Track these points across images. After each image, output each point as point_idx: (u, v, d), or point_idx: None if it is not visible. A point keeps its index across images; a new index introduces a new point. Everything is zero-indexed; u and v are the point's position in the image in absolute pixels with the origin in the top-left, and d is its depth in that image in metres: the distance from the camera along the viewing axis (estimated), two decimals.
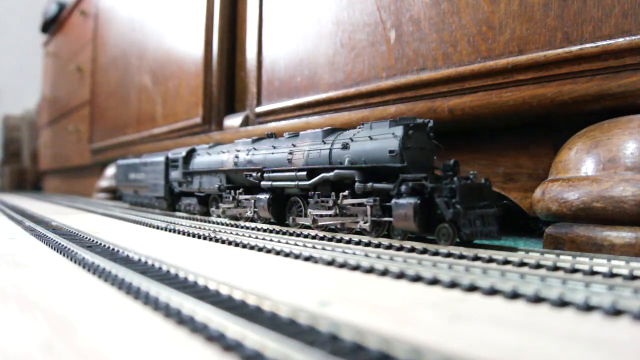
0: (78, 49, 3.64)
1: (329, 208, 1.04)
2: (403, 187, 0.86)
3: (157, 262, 0.69)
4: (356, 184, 0.96)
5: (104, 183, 2.79)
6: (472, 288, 0.56)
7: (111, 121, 2.98)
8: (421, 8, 1.17)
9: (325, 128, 1.13)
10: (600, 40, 0.88)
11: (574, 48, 0.90)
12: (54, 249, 0.90)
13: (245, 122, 1.80)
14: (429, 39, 1.15)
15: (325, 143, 1.07)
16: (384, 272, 0.65)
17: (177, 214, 1.71)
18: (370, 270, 0.67)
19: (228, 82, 2.01)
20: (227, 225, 1.28)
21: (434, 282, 0.60)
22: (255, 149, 1.30)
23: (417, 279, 0.62)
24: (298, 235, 1.05)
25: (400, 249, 0.85)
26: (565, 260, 0.68)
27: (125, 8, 2.83)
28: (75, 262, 0.76)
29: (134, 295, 0.54)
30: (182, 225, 1.26)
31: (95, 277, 0.66)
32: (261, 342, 0.37)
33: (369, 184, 0.94)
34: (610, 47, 0.86)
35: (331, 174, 1.03)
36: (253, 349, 0.37)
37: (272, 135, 1.33)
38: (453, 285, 0.58)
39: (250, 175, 1.27)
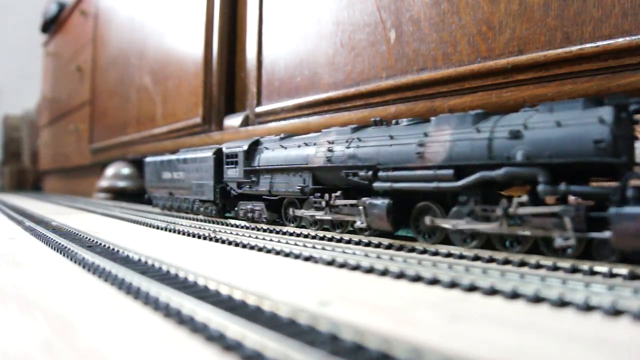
0: (78, 49, 3.64)
1: (492, 219, 0.76)
2: (631, 191, 0.63)
3: (157, 262, 0.69)
4: (540, 186, 0.69)
5: (104, 183, 2.79)
6: (472, 288, 0.56)
7: (111, 121, 2.98)
8: (421, 8, 1.17)
9: (475, 111, 0.84)
10: (600, 40, 0.88)
11: (574, 48, 0.90)
12: (54, 249, 0.90)
13: (245, 122, 1.80)
14: (429, 39, 1.15)
15: (480, 131, 0.79)
16: (384, 272, 0.65)
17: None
18: (370, 270, 0.67)
19: (228, 82, 2.01)
20: (227, 225, 1.28)
21: (434, 282, 0.60)
22: (359, 140, 0.98)
23: (417, 279, 0.62)
24: (298, 235, 1.05)
25: (400, 248, 0.85)
26: (565, 260, 0.68)
27: (125, 8, 2.83)
28: (75, 262, 0.76)
29: (134, 295, 0.54)
30: (182, 225, 1.26)
31: (95, 277, 0.66)
32: (261, 342, 0.37)
33: (561, 186, 0.68)
34: (610, 47, 0.86)
35: (499, 172, 0.75)
36: (253, 349, 0.37)
37: (381, 121, 1.01)
38: (453, 285, 0.58)
39: (355, 175, 0.98)
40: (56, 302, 0.54)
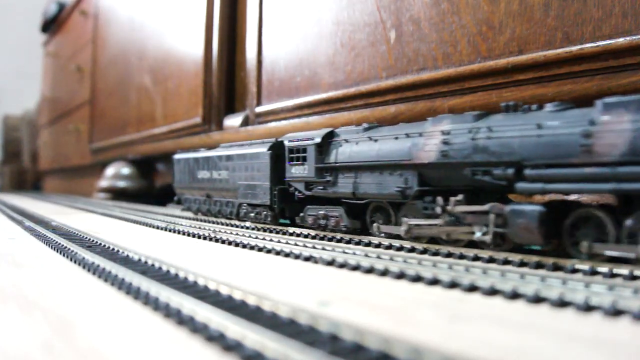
0: (78, 49, 3.64)
1: None
2: None
3: (157, 262, 0.69)
4: None
5: (104, 183, 2.79)
6: (472, 288, 0.56)
7: (111, 121, 2.98)
8: (421, 8, 1.17)
9: None
10: (600, 40, 0.88)
11: (574, 48, 0.90)
12: (54, 249, 0.90)
13: (245, 122, 1.80)
14: (429, 39, 1.15)
15: None
16: (384, 272, 0.65)
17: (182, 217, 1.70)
18: (370, 270, 0.67)
19: (228, 82, 2.01)
20: (227, 225, 1.28)
21: (434, 282, 0.60)
22: (490, 130, 0.76)
23: (417, 279, 0.62)
24: (298, 235, 1.05)
25: (400, 249, 0.85)
26: (565, 260, 0.68)
27: (125, 8, 2.83)
28: (75, 262, 0.76)
29: (134, 295, 0.54)
30: (182, 225, 1.26)
31: (95, 277, 0.66)
32: (261, 342, 0.37)
33: None
34: (610, 47, 0.86)
35: None
36: (253, 349, 0.37)
37: (515, 106, 0.79)
38: (453, 285, 0.58)
39: (485, 173, 0.77)
40: (56, 302, 0.54)
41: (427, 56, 1.15)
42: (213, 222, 1.35)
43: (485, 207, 0.75)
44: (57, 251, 0.87)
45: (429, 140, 0.85)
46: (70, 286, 0.62)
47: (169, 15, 2.36)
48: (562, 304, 0.50)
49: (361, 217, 1.02)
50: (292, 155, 1.14)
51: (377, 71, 1.27)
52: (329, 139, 1.08)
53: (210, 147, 1.62)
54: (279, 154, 1.20)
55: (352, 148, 1.01)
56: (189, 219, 1.47)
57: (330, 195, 1.06)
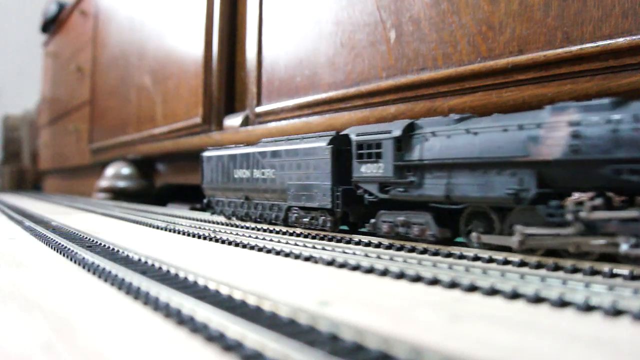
0: (78, 49, 3.64)
1: None
2: None
3: (157, 262, 0.69)
4: None
5: (104, 183, 2.79)
6: (472, 288, 0.56)
7: (111, 121, 2.98)
8: (421, 8, 1.17)
9: None
10: (600, 40, 0.88)
11: (574, 48, 0.90)
12: (54, 249, 0.90)
13: (245, 122, 1.79)
14: (429, 39, 1.15)
15: None
16: (384, 272, 0.65)
17: (173, 218, 1.70)
18: (370, 270, 0.67)
19: (228, 82, 2.01)
20: (227, 225, 1.28)
21: (434, 282, 0.60)
22: (636, 119, 0.64)
23: (417, 279, 0.62)
24: (298, 235, 1.05)
25: (400, 249, 0.85)
26: (566, 260, 0.68)
27: (125, 8, 2.83)
28: (75, 262, 0.76)
29: (134, 295, 0.54)
30: (182, 225, 1.26)
31: (95, 277, 0.66)
32: (261, 342, 0.37)
33: None
34: (610, 47, 0.86)
35: None
36: (253, 349, 0.37)
37: None
38: (453, 285, 0.58)
39: (634, 172, 0.64)
40: (56, 302, 0.54)
41: (427, 56, 1.15)
42: (213, 222, 1.35)
43: (634, 213, 0.62)
44: (57, 251, 0.87)
45: (551, 133, 0.70)
46: (70, 286, 0.62)
47: (169, 15, 2.36)
48: (562, 304, 0.50)
49: (452, 225, 0.86)
50: (361, 151, 0.97)
51: (377, 71, 1.27)
52: (410, 131, 0.90)
53: (237, 144, 1.46)
54: (342, 150, 1.04)
55: (444, 142, 0.84)
56: (189, 218, 1.47)
57: (414, 199, 0.89)
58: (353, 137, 1.00)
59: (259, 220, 1.28)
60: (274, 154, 1.22)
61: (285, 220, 1.18)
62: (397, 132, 0.91)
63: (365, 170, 0.97)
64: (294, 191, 1.14)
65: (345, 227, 1.09)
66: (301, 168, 1.12)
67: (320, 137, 1.10)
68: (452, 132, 0.83)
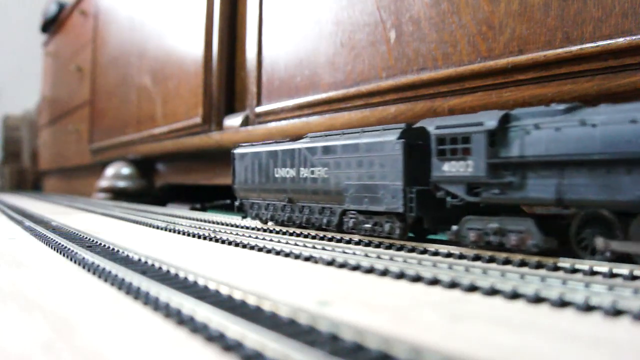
0: (78, 49, 3.64)
1: None
2: None
3: (157, 262, 0.69)
4: None
5: (104, 183, 2.79)
6: (472, 288, 0.56)
7: (111, 121, 2.98)
8: (421, 8, 1.17)
9: None
10: (600, 40, 0.88)
11: (574, 48, 0.90)
12: (54, 249, 0.90)
13: (245, 122, 1.79)
14: (429, 39, 1.15)
15: None
16: (384, 272, 0.65)
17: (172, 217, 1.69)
18: (370, 270, 0.67)
19: (228, 82, 2.01)
20: (227, 225, 1.28)
21: (434, 282, 0.60)
22: None
23: (417, 279, 0.62)
24: (298, 235, 1.05)
25: (400, 249, 0.85)
26: (565, 260, 0.68)
27: (125, 8, 2.83)
28: (75, 262, 0.76)
29: (134, 295, 0.54)
30: (182, 225, 1.26)
31: (95, 277, 0.66)
32: (261, 342, 0.37)
33: None
34: (610, 47, 0.86)
35: None
36: (253, 349, 0.37)
37: None
38: (453, 285, 0.58)
39: None
40: (56, 302, 0.54)
41: (427, 56, 1.15)
42: (214, 222, 1.35)
43: None
44: (57, 251, 0.87)
45: None
46: (70, 286, 0.62)
47: (169, 15, 2.36)
48: (562, 304, 0.50)
49: (559, 233, 0.74)
50: (443, 146, 0.83)
51: (377, 71, 1.27)
52: (506, 123, 0.77)
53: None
54: (414, 144, 0.91)
55: (552, 136, 0.71)
56: (189, 218, 1.47)
57: (514, 202, 0.77)
58: (432, 130, 0.86)
59: (304, 225, 1.12)
60: (327, 150, 1.06)
61: (339, 226, 1.03)
62: (491, 124, 0.77)
63: (449, 168, 0.83)
64: (353, 193, 0.99)
65: (410, 234, 0.94)
66: (363, 166, 0.97)
67: (386, 130, 0.96)
68: (563, 124, 0.71)
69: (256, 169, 1.27)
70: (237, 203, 1.36)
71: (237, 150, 1.37)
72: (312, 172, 1.09)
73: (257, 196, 1.28)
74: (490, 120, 0.78)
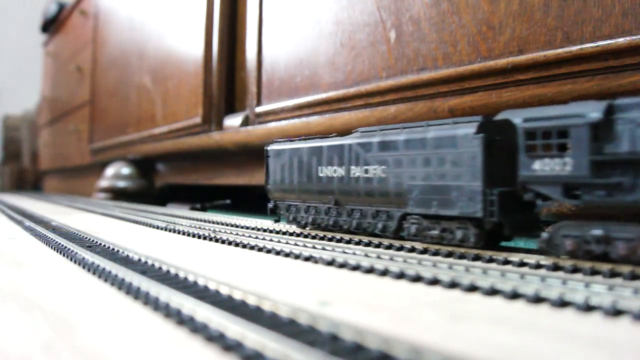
0: (78, 49, 3.64)
1: None
2: None
3: (157, 262, 0.69)
4: None
5: (104, 183, 2.79)
6: (472, 288, 0.56)
7: (111, 121, 2.98)
8: (421, 8, 1.17)
9: None
10: (600, 40, 0.88)
11: (574, 48, 0.90)
12: (54, 249, 0.90)
13: (245, 122, 1.80)
14: (429, 39, 1.15)
15: None
16: (384, 272, 0.65)
17: (179, 219, 1.69)
18: (370, 270, 0.67)
19: (228, 82, 2.01)
20: (227, 225, 1.28)
21: (434, 282, 0.60)
22: None
23: (417, 279, 0.62)
24: (298, 235, 1.05)
25: (400, 249, 0.85)
26: (566, 260, 0.68)
27: (125, 8, 2.83)
28: (75, 262, 0.76)
29: (134, 295, 0.54)
30: (182, 225, 1.26)
31: (95, 277, 0.66)
32: (261, 342, 0.37)
33: None
34: (610, 47, 0.86)
35: None
36: (253, 349, 0.37)
37: None
38: (453, 285, 0.58)
39: None
40: (56, 302, 0.54)
41: (427, 56, 1.15)
42: (214, 222, 1.35)
43: None
44: (57, 251, 0.87)
45: None
46: (70, 286, 0.62)
47: (169, 15, 2.36)
48: (562, 304, 0.50)
49: None
50: (534, 141, 0.73)
51: (377, 71, 1.27)
52: (610, 115, 0.67)
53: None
54: (494, 140, 0.80)
55: None
56: (189, 218, 1.47)
57: (624, 206, 0.66)
58: (520, 123, 0.75)
59: (353, 231, 1.00)
60: (385, 145, 0.94)
61: (398, 231, 0.92)
62: (594, 116, 0.67)
63: (541, 167, 0.72)
64: (418, 194, 0.87)
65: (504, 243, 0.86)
66: (431, 164, 0.86)
67: (458, 123, 0.84)
68: None
69: (295, 168, 1.14)
70: (270, 205, 1.23)
71: (272, 147, 1.22)
72: (366, 171, 0.97)
73: (296, 198, 1.15)
74: (592, 111, 0.67)
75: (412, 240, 0.88)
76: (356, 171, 0.99)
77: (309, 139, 1.14)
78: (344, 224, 1.02)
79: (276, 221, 1.24)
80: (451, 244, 0.81)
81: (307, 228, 1.14)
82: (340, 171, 1.02)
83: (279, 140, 1.23)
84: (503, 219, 0.76)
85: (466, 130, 0.81)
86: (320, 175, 1.07)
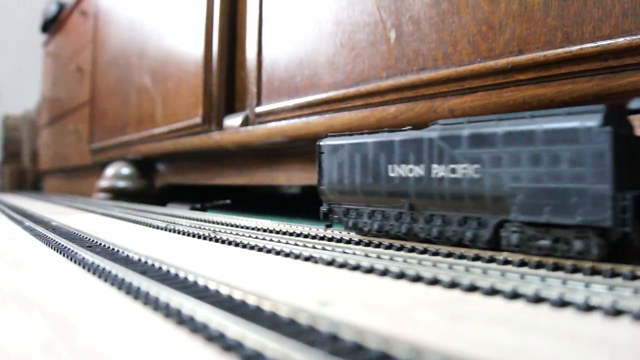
0: (78, 49, 3.64)
1: None
2: None
3: (157, 262, 0.69)
4: None
5: (104, 183, 2.79)
6: (472, 288, 0.56)
7: (111, 121, 2.98)
8: (421, 8, 1.17)
9: None
10: (600, 40, 0.88)
11: (574, 48, 0.90)
12: (54, 249, 0.90)
13: (245, 122, 1.79)
14: (429, 39, 1.15)
15: None
16: (384, 272, 0.65)
17: (178, 212, 1.69)
18: (370, 270, 0.67)
19: (228, 82, 2.01)
20: (227, 225, 1.28)
21: (434, 282, 0.60)
22: None
23: (417, 279, 0.62)
24: (298, 235, 1.05)
25: (400, 249, 0.85)
26: (566, 260, 0.68)
27: (125, 8, 2.83)
28: (75, 262, 0.76)
29: (134, 295, 0.54)
30: (182, 225, 1.26)
31: (95, 277, 0.66)
32: (261, 342, 0.37)
33: None
34: (610, 47, 0.86)
35: None
36: (253, 349, 0.37)
37: None
38: (453, 285, 0.58)
39: None
40: (56, 302, 0.54)
41: (427, 56, 1.15)
42: (214, 222, 1.35)
43: None
44: (57, 251, 0.87)
45: None
46: (70, 286, 0.62)
47: (169, 15, 2.36)
48: (562, 304, 0.50)
49: None
50: None
51: (377, 71, 1.27)
52: None
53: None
54: (622, 134, 0.67)
55: None
56: (189, 218, 1.47)
57: None
58: None
59: (434, 240, 0.86)
60: (480, 140, 0.78)
61: (492, 241, 0.78)
62: None
63: None
64: (524, 199, 0.73)
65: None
66: (541, 162, 0.71)
67: (572, 114, 0.70)
68: None
69: (357, 166, 0.99)
70: (323, 208, 1.06)
71: (327, 142, 1.05)
72: (453, 171, 0.82)
73: (358, 200, 0.99)
74: None
75: (511, 251, 0.75)
76: (439, 171, 0.84)
77: (376, 132, 0.98)
78: (421, 231, 0.88)
79: (328, 226, 1.09)
80: (566, 257, 0.68)
81: (368, 234, 0.99)
82: (418, 170, 0.87)
83: (333, 134, 1.06)
84: (636, 228, 0.64)
85: (589, 122, 0.67)
86: (391, 175, 0.92)
